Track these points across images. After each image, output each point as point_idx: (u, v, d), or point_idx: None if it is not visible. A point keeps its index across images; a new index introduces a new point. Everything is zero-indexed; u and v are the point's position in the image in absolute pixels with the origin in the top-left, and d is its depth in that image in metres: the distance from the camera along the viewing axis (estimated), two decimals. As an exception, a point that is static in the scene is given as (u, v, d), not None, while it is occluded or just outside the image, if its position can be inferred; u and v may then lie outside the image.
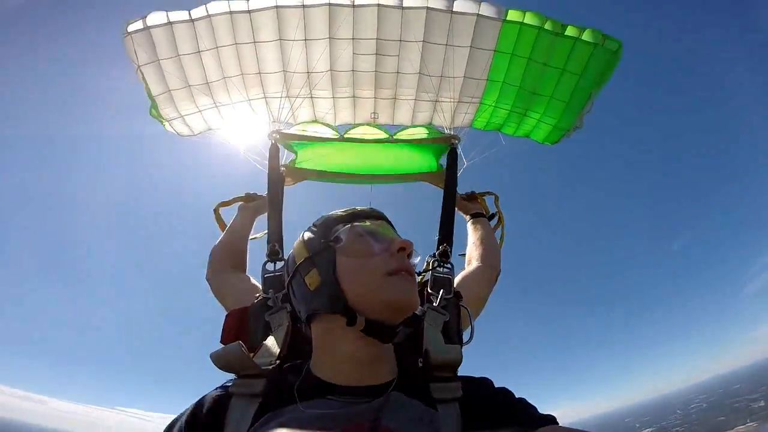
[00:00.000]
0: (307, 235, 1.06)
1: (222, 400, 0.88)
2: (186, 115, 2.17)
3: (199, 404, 0.90)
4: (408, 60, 2.11)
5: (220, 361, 0.93)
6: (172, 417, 0.92)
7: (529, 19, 1.87)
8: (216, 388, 0.93)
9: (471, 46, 2.01)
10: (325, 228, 1.03)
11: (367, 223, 1.02)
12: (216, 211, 1.93)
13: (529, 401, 0.90)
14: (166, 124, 2.17)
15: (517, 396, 0.92)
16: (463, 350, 1.08)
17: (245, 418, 0.84)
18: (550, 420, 0.83)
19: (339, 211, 1.08)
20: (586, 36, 1.89)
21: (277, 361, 0.99)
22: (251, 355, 0.95)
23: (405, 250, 0.95)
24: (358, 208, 1.09)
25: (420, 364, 0.99)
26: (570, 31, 1.89)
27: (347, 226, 1.00)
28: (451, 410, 0.88)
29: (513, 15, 1.87)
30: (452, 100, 2.23)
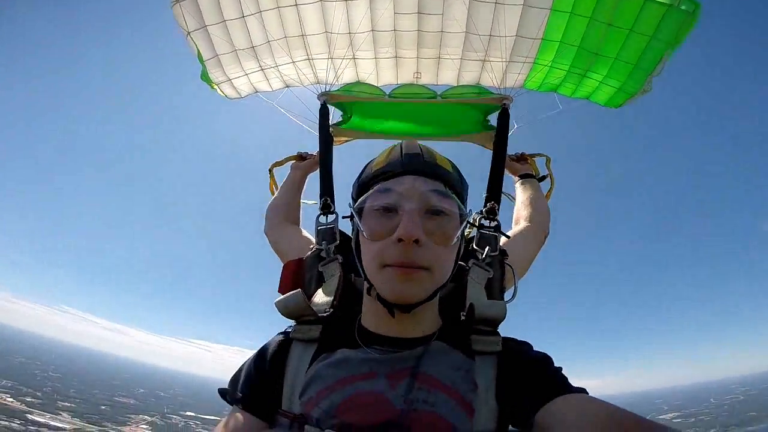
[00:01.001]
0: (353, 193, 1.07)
1: (284, 345, 1.00)
2: (233, 78, 2.23)
3: (264, 349, 1.01)
4: (453, 19, 1.96)
5: (284, 308, 1.04)
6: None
7: None
8: (278, 334, 1.04)
9: (524, 5, 1.81)
10: (357, 191, 1.04)
11: (387, 191, 0.94)
12: (270, 170, 2.05)
13: (565, 372, 0.92)
14: (216, 87, 2.26)
15: (555, 365, 0.94)
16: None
17: (304, 360, 0.95)
18: (580, 391, 0.85)
19: (372, 169, 1.02)
20: None
21: (331, 309, 1.07)
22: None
23: (403, 241, 0.86)
24: (393, 158, 1.01)
25: (462, 318, 1.02)
26: None
27: (369, 193, 0.96)
28: (489, 362, 0.92)
29: None
30: (502, 59, 2.07)
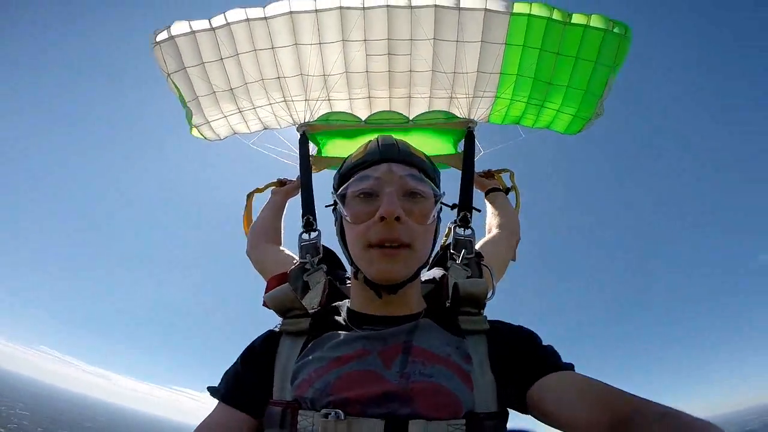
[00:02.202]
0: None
1: (273, 338, 1.01)
2: (212, 120, 2.29)
3: (253, 343, 1.02)
4: (420, 58, 2.14)
5: (273, 300, 1.04)
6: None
7: (536, 10, 1.87)
8: (267, 331, 1.04)
9: (482, 41, 2.01)
10: (338, 182, 1.08)
11: (366, 178, 0.99)
12: (249, 196, 2.12)
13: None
14: (194, 129, 2.30)
15: (544, 342, 0.97)
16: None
17: (294, 351, 0.95)
18: (570, 367, 0.88)
19: (351, 160, 1.07)
20: (594, 22, 1.87)
21: (319, 307, 1.10)
22: None
23: (386, 219, 0.90)
24: (371, 149, 1.05)
25: (448, 304, 1.06)
26: (577, 18, 1.87)
27: (350, 181, 1.01)
28: (479, 340, 0.94)
29: (519, 7, 1.88)
30: (467, 95, 2.24)
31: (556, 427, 0.80)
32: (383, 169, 0.99)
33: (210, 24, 1.96)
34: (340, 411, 0.79)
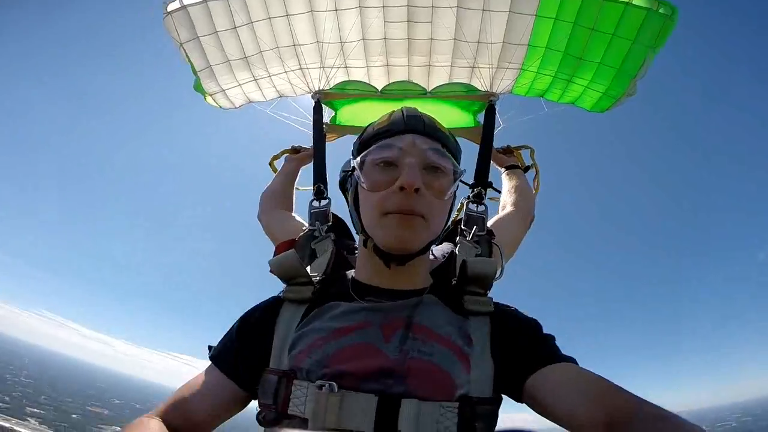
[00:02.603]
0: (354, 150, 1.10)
1: (274, 305, 1.00)
2: (227, 88, 2.26)
3: (254, 308, 1.02)
4: (442, 26, 2.01)
5: (277, 266, 1.03)
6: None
7: None
8: (270, 297, 1.04)
9: (510, 11, 1.87)
10: (357, 149, 1.06)
11: (389, 146, 0.97)
12: (271, 163, 2.14)
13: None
14: (209, 98, 2.28)
15: (546, 332, 0.95)
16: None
17: (294, 319, 0.94)
18: (572, 360, 0.87)
19: (374, 128, 1.05)
20: (638, 0, 1.68)
21: (324, 276, 1.09)
22: None
23: (405, 189, 0.89)
24: (395, 118, 1.03)
25: (454, 282, 1.04)
26: None
27: (372, 148, 0.99)
28: (482, 321, 0.93)
29: None
30: (490, 66, 2.12)
31: (550, 419, 0.81)
32: (407, 140, 0.97)
33: (223, -8, 1.87)
34: (334, 384, 0.79)
